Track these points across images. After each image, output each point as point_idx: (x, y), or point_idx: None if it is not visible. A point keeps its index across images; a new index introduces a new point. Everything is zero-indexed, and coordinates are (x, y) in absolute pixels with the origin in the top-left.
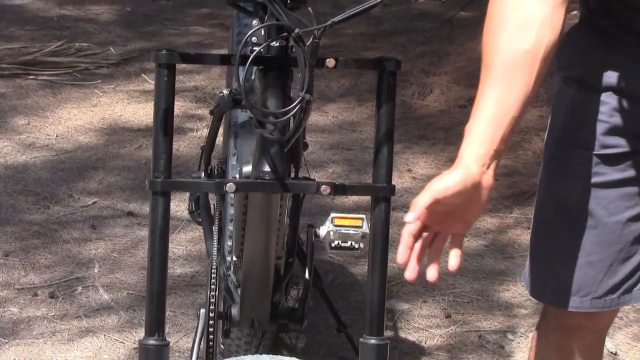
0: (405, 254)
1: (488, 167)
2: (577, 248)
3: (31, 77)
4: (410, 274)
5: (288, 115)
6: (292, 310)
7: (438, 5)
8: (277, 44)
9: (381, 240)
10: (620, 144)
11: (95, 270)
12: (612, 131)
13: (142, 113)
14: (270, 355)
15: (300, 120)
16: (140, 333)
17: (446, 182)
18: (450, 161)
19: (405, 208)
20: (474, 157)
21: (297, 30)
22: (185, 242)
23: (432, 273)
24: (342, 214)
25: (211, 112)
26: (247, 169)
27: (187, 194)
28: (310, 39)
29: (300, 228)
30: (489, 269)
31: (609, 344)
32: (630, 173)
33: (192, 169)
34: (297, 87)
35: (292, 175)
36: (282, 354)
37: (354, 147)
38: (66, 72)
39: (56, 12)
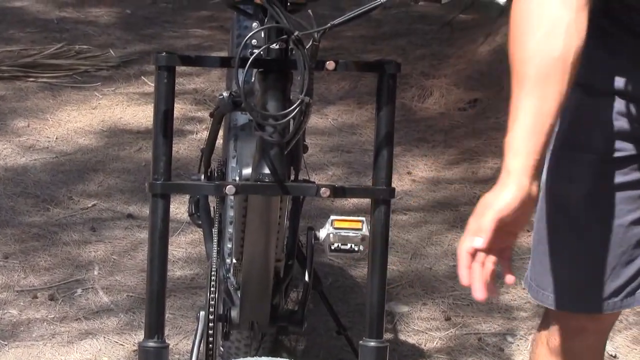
0: (468, 275)
1: (534, 177)
2: (581, 251)
3: (31, 79)
4: (480, 294)
5: (287, 118)
6: (292, 313)
7: (438, 7)
8: (277, 47)
9: (381, 242)
10: (624, 148)
11: (95, 273)
12: (617, 135)
13: (142, 115)
14: (270, 358)
15: (299, 122)
16: (140, 335)
17: (506, 199)
18: (450, 163)
19: (406, 211)
20: (522, 169)
21: (296, 33)
22: (185, 244)
23: (490, 291)
24: (342, 216)
25: (211, 115)
26: (247, 171)
27: (187, 197)
28: (310, 42)
29: (300, 230)
30: None
31: (609, 347)
32: (634, 176)
33: (192, 171)
34: (297, 89)
35: (292, 177)
36: (281, 357)
37: (353, 149)
38: (66, 75)
39: (56, 14)
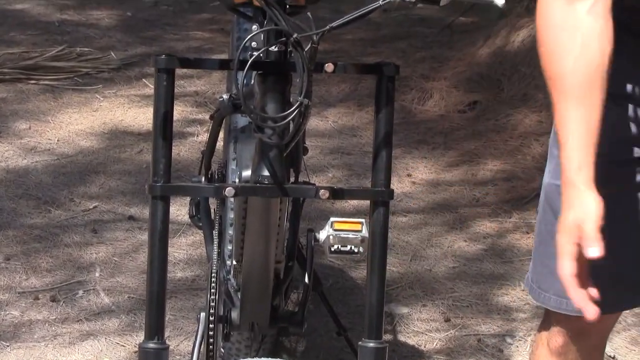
0: (581, 295)
1: (594, 187)
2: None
3: (32, 81)
4: (592, 313)
5: (286, 120)
6: (292, 314)
7: (438, 10)
8: (276, 49)
9: (380, 244)
10: (628, 150)
11: (96, 274)
12: (620, 137)
13: (143, 117)
14: (270, 359)
15: (299, 124)
16: (142, 336)
17: (595, 209)
18: (450, 165)
19: (405, 212)
20: (588, 182)
21: (295, 35)
22: (185, 246)
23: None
24: (341, 218)
25: (211, 117)
26: (247, 173)
27: (188, 199)
28: (309, 44)
29: (300, 232)
30: (488, 273)
31: (608, 348)
32: (638, 179)
33: (193, 173)
34: (296, 91)
35: (292, 179)
36: (282, 358)
37: (353, 151)
38: (67, 77)
39: (57, 17)
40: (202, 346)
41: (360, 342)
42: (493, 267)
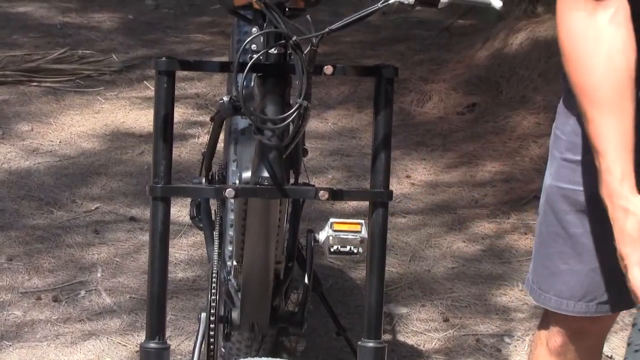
0: None
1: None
2: (584, 254)
3: (34, 84)
4: None
5: (286, 122)
6: (292, 314)
7: (436, 13)
8: (276, 52)
9: (379, 244)
10: None
11: (98, 275)
12: None
13: (144, 119)
14: (270, 359)
15: (298, 126)
16: (142, 336)
17: None
18: (448, 167)
19: (405, 213)
20: (633, 187)
21: (294, 38)
22: (186, 246)
23: None
24: (341, 219)
25: (212, 119)
26: (247, 174)
27: (189, 200)
28: (309, 47)
29: (300, 233)
30: (487, 273)
31: (605, 348)
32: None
33: (194, 174)
34: (295, 94)
35: (292, 180)
36: (282, 357)
37: (353, 153)
38: (69, 79)
39: (59, 19)
40: (203, 346)
41: (359, 342)
42: (491, 267)
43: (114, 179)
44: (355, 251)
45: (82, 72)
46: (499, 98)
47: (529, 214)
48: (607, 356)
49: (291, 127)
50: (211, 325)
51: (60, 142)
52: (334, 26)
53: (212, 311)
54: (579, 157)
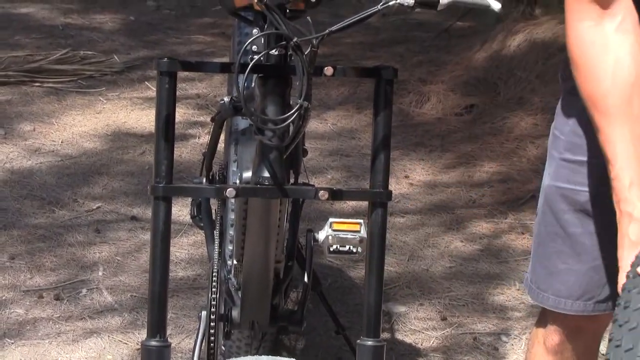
0: None
1: None
2: (583, 253)
3: (37, 84)
4: None
5: (287, 122)
6: (292, 313)
7: (435, 15)
8: (276, 53)
9: (378, 244)
10: None
11: (100, 273)
12: None
13: (145, 120)
14: (270, 357)
15: (298, 127)
16: (144, 334)
17: None
18: (447, 167)
19: (403, 213)
20: None
21: (295, 39)
22: (187, 245)
23: None
24: (340, 219)
25: (212, 119)
26: (247, 174)
27: (190, 199)
28: (309, 48)
29: (299, 232)
30: (484, 272)
31: (601, 346)
32: None
33: (194, 174)
34: (296, 94)
35: (292, 180)
36: (281, 356)
37: (352, 153)
38: (71, 80)
39: (61, 20)
40: (204, 344)
41: (358, 341)
42: (489, 267)
43: (115, 178)
44: (355, 251)
45: (83, 73)
46: (497, 99)
47: (526, 214)
48: (603, 354)
49: (291, 128)
50: (212, 324)
51: (62, 142)
52: (334, 28)
53: (213, 309)
54: (577, 157)
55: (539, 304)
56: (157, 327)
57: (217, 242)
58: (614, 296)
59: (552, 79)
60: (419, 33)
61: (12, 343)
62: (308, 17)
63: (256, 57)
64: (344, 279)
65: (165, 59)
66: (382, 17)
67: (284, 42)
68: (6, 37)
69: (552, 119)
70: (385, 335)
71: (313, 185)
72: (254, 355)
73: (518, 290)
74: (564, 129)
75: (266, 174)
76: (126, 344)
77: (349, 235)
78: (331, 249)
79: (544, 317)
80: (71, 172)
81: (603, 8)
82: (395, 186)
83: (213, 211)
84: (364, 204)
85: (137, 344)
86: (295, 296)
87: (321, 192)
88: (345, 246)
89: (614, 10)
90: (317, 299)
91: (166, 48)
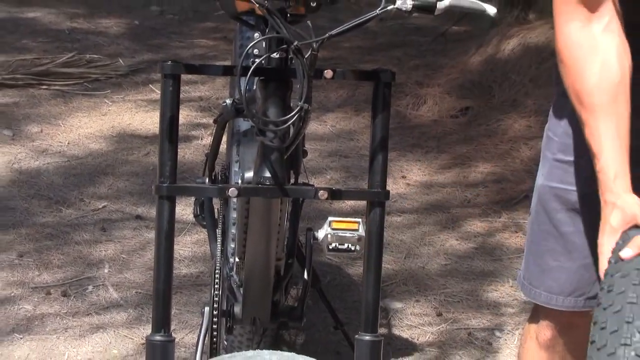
0: None
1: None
2: (574, 251)
3: (44, 87)
4: None
5: (287, 124)
6: (292, 309)
7: (432, 20)
8: (277, 56)
9: (376, 242)
10: None
11: (105, 270)
12: None
13: (150, 121)
14: (271, 351)
15: (299, 128)
16: (148, 329)
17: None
18: (442, 168)
19: (400, 212)
20: (627, 188)
21: (296, 43)
22: (190, 244)
23: None
24: (339, 217)
25: (215, 121)
26: (249, 174)
27: (193, 199)
28: (309, 51)
29: (299, 231)
30: (478, 270)
31: None
32: None
33: (197, 174)
34: (296, 97)
35: (292, 180)
36: (282, 350)
37: (351, 154)
38: (77, 83)
39: (67, 25)
40: (207, 339)
41: (356, 336)
42: (483, 264)
43: (120, 178)
44: (353, 249)
45: (89, 76)
46: (492, 102)
47: (520, 213)
48: None
49: (292, 129)
50: (214, 319)
51: (68, 143)
52: (333, 32)
53: (215, 305)
54: (570, 158)
55: (532, 300)
56: (162, 322)
57: (219, 240)
58: None
59: (545, 82)
60: (416, 37)
61: (21, 338)
62: (308, 22)
63: (258, 60)
64: (342, 276)
65: (169, 62)
66: (380, 21)
67: (284, 46)
68: (14, 41)
69: (545, 121)
70: (382, 330)
71: (313, 185)
72: (255, 349)
73: (511, 287)
74: (557, 131)
75: (267, 174)
76: (131, 338)
77: (348, 234)
78: (330, 247)
79: (536, 313)
80: (77, 172)
81: (591, 11)
82: (393, 186)
83: (215, 210)
84: (362, 203)
85: (142, 338)
86: (295, 293)
87: (321, 192)
88: (344, 244)
89: (601, 12)
90: (316, 296)
91: (170, 52)
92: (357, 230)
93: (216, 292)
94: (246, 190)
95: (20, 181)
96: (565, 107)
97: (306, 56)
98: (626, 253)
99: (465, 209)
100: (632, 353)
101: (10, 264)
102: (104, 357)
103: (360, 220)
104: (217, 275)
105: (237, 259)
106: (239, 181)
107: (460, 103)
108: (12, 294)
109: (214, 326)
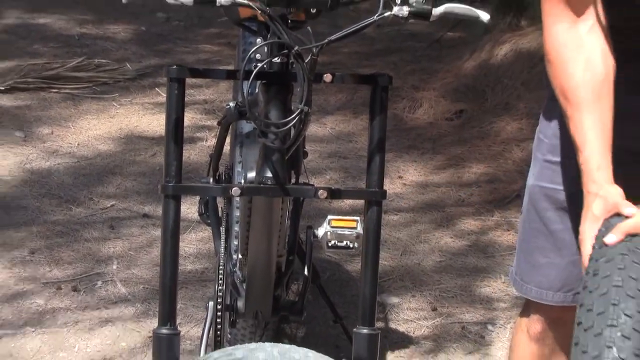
0: None
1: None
2: (563, 248)
3: (54, 90)
4: None
5: (288, 126)
6: (293, 304)
7: (427, 26)
8: (279, 61)
9: (373, 240)
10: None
11: (114, 267)
12: None
13: (156, 124)
14: (273, 344)
15: (299, 130)
16: (155, 323)
17: (621, 193)
18: (437, 169)
19: (397, 211)
20: (608, 179)
21: (296, 48)
22: (195, 241)
23: None
24: (338, 216)
25: (219, 123)
26: (251, 174)
27: (198, 198)
28: (309, 56)
29: (300, 229)
30: (472, 266)
31: None
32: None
33: (202, 174)
34: (297, 100)
35: (293, 180)
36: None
37: (349, 155)
38: (86, 86)
39: (77, 30)
40: (211, 332)
41: (354, 329)
42: (476, 261)
43: (128, 178)
44: (351, 246)
45: (98, 80)
46: (485, 105)
47: (512, 212)
48: None
49: (293, 131)
50: (218, 313)
51: (78, 144)
52: (333, 37)
53: (219, 300)
54: (559, 159)
55: (523, 296)
56: (168, 316)
57: (223, 237)
58: None
59: (537, 86)
60: (412, 43)
61: (33, 331)
62: (308, 27)
63: (260, 64)
64: (341, 272)
65: (175, 67)
66: (377, 28)
67: (285, 51)
68: (25, 46)
69: (536, 123)
70: (379, 324)
71: (313, 185)
72: (257, 342)
73: (503, 282)
74: (547, 132)
75: (269, 174)
76: (139, 332)
77: (346, 232)
78: (329, 244)
79: (527, 308)
80: (87, 172)
81: (577, 15)
82: (390, 186)
83: (219, 209)
84: (361, 202)
85: (149, 332)
86: (296, 288)
87: (320, 192)
88: (342, 242)
89: (587, 15)
90: (316, 291)
91: (175, 57)
92: (355, 228)
93: (220, 288)
94: (249, 189)
95: (31, 181)
96: (555, 110)
97: (306, 61)
98: (610, 239)
99: (459, 208)
100: (619, 333)
101: (22, 260)
102: (113, 350)
103: (358, 218)
104: (221, 271)
105: (240, 256)
106: (242, 181)
107: (454, 106)
108: (25, 289)
109: (218, 320)
